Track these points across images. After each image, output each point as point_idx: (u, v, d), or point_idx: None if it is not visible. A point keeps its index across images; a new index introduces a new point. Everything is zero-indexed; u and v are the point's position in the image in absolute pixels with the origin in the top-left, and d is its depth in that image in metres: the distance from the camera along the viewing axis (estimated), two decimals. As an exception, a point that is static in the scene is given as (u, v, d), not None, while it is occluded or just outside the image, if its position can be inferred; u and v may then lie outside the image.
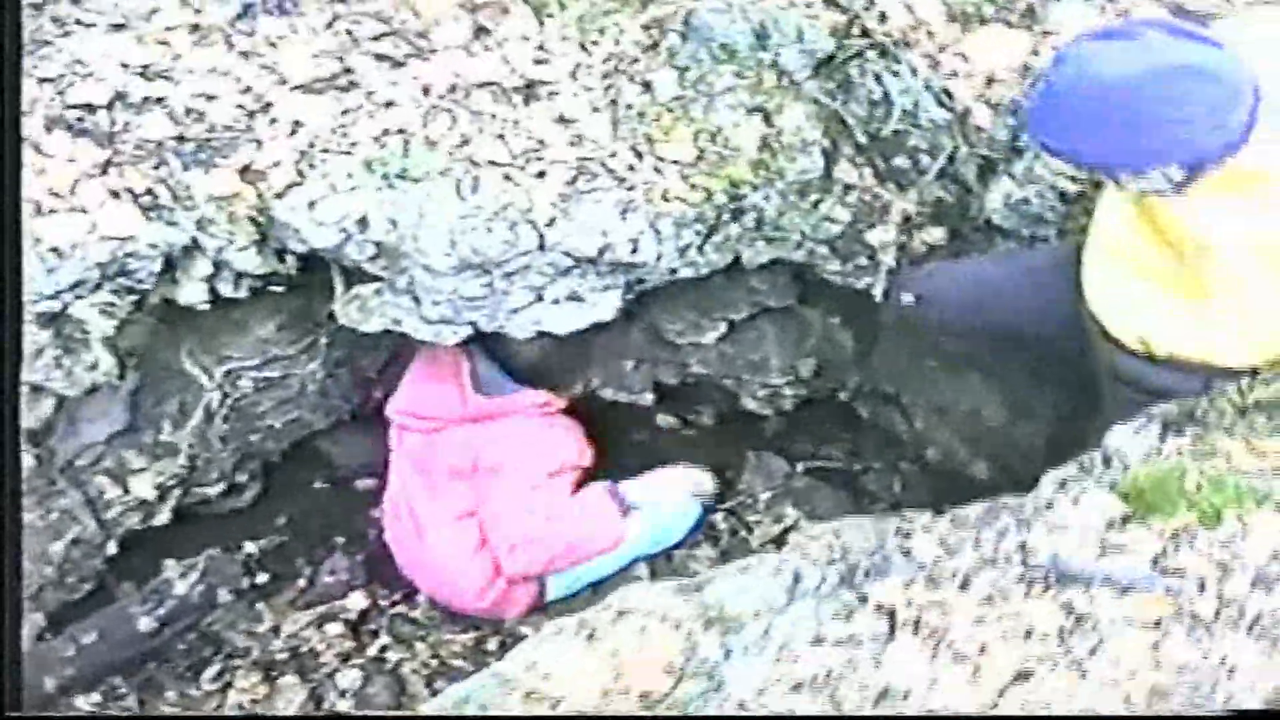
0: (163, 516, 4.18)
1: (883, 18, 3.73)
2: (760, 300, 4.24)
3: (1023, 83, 3.65)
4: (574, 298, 3.69)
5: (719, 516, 4.57)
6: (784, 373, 4.43)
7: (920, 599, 2.55)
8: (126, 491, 4.08)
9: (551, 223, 3.50)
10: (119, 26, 3.74)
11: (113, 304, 3.54)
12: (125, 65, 3.67)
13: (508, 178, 3.53)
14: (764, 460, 4.64)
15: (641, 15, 3.80)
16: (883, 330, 4.18)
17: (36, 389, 3.63)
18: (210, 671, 4.25)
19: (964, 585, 2.58)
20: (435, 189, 3.51)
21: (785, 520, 4.54)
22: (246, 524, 4.55)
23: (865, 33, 3.74)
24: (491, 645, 4.35)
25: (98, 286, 3.49)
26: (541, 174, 3.56)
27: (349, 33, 3.78)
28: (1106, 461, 2.92)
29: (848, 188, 3.80)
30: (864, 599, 2.58)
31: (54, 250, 3.40)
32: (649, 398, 4.54)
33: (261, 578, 4.50)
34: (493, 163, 3.55)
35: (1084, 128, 2.76)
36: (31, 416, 3.67)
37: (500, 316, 3.69)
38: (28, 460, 3.85)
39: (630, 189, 3.58)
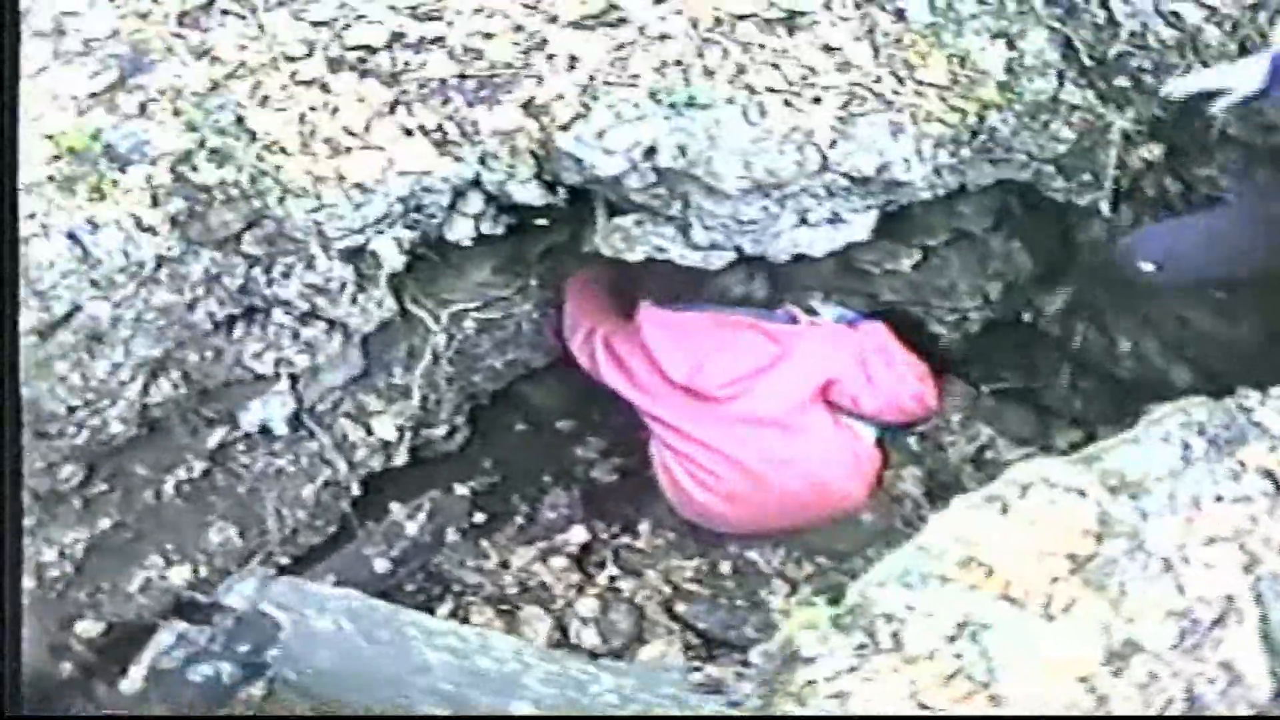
0: (400, 458, 4.30)
1: (1110, -56, 3.86)
2: (961, 225, 4.47)
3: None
4: (834, 219, 3.89)
5: (913, 440, 4.77)
6: (972, 296, 4.65)
7: (1290, 460, 2.70)
8: (370, 433, 4.20)
9: (833, 144, 3.68)
10: None
11: (404, 239, 3.68)
12: (394, 8, 3.79)
13: (787, 103, 3.70)
14: (951, 383, 4.80)
15: (885, -53, 3.91)
16: (1082, 247, 4.38)
17: (332, 324, 3.76)
18: (444, 608, 4.37)
19: (1324, 447, 2.72)
20: (723, 115, 3.66)
21: (979, 439, 4.74)
22: (457, 466, 4.67)
23: (1095, -41, 3.89)
24: (725, 568, 4.55)
25: (395, 222, 3.63)
26: (817, 99, 3.72)
27: (607, -27, 3.85)
28: None
29: (1073, 108, 4.00)
30: (1242, 464, 2.80)
31: (359, 186, 3.53)
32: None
33: (479, 517, 4.63)
34: (771, 90, 3.71)
35: None
36: (320, 354, 3.82)
37: (765, 240, 3.87)
38: (290, 404, 3.99)
39: (899, 111, 3.76)
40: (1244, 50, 3.84)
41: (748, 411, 4.29)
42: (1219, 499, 2.72)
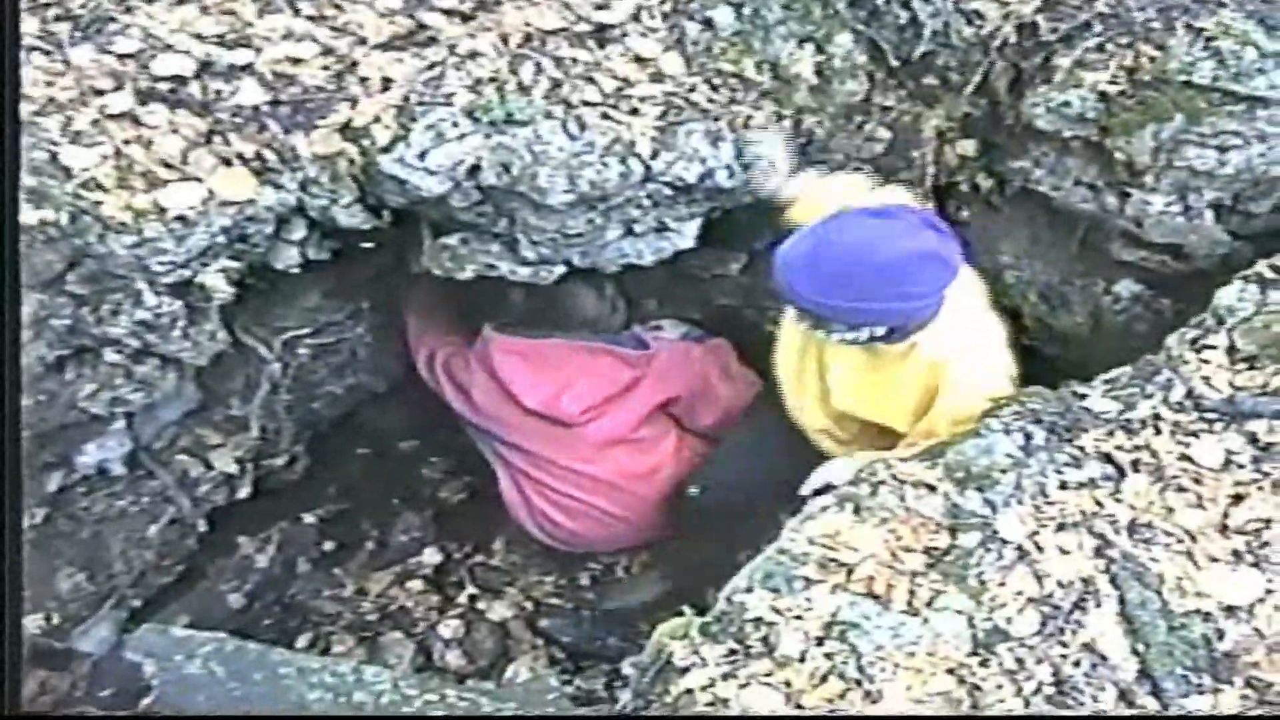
0: (244, 491, 3.94)
1: (908, -53, 3.67)
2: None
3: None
4: (660, 228, 3.64)
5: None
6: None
7: (1126, 444, 2.71)
8: (209, 468, 3.85)
9: (655, 155, 3.43)
10: (180, 1, 3.51)
11: (231, 269, 3.36)
12: (200, 36, 3.45)
13: (606, 116, 3.44)
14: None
15: (687, -43, 3.69)
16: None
17: (165, 360, 3.43)
18: (303, 640, 4.08)
19: (1156, 430, 2.74)
20: (543, 131, 3.39)
21: None
22: (303, 495, 4.33)
23: (894, -38, 3.68)
24: (584, 580, 4.31)
25: (220, 253, 3.30)
26: (635, 111, 3.48)
27: (410, -9, 3.57)
28: (1220, 320, 3.07)
29: (885, 109, 3.79)
30: (1082, 449, 2.72)
31: (180, 219, 3.19)
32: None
33: (330, 545, 4.31)
34: (587, 103, 3.45)
35: (832, 286, 2.96)
36: (156, 391, 3.47)
37: (594, 252, 3.60)
38: (126, 443, 3.64)
39: (716, 119, 3.53)
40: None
41: (602, 433, 4.02)
42: (1064, 485, 2.66)
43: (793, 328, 3.38)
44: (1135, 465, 2.69)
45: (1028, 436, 2.79)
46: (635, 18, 3.66)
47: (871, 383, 3.28)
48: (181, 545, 3.87)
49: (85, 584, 3.71)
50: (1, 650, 2.27)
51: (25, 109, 3.14)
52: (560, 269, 3.61)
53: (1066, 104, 3.57)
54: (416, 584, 4.25)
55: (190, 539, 3.88)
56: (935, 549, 2.57)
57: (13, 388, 2.45)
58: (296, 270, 3.53)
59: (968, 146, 3.84)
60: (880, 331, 3.04)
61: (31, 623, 3.59)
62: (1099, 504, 2.62)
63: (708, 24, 3.69)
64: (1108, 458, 2.71)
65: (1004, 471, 2.70)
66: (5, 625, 2.28)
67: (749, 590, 2.52)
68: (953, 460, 2.74)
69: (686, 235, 3.68)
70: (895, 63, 3.79)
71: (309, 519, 4.30)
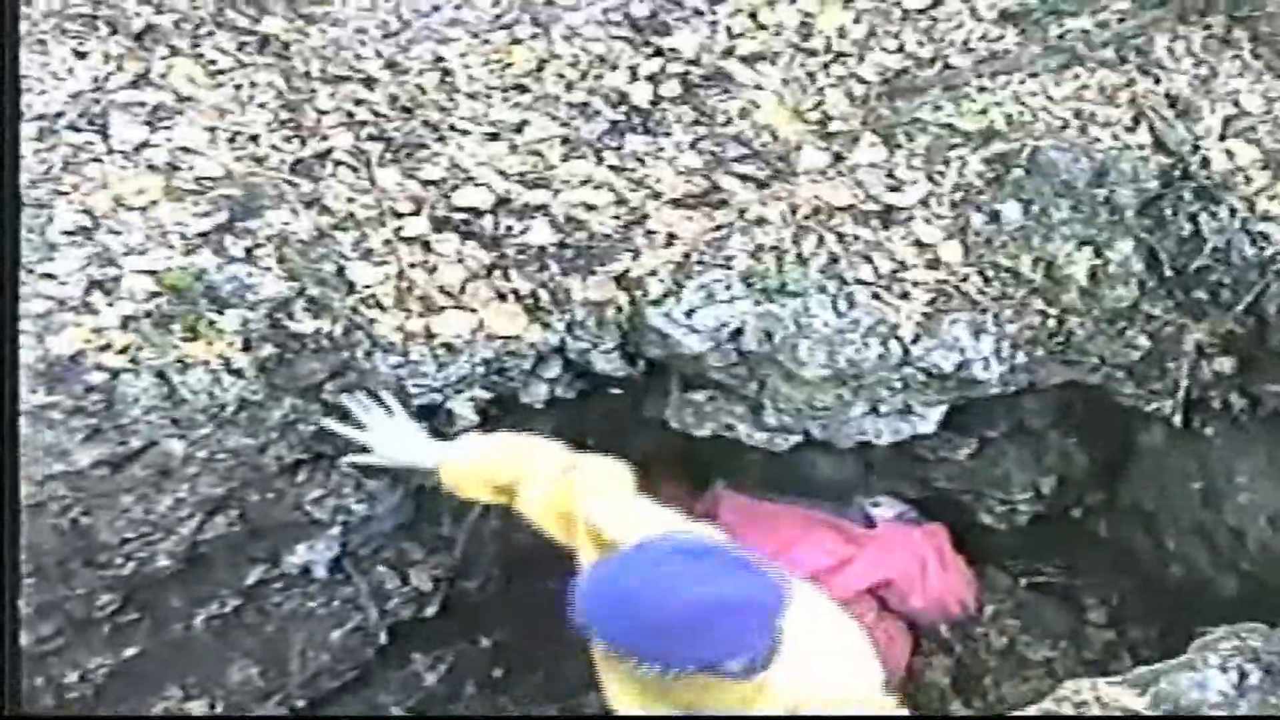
0: (432, 609, 4.12)
1: (1205, 163, 3.91)
2: (1022, 420, 4.37)
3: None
4: (905, 410, 3.81)
5: (944, 629, 4.62)
6: (1024, 489, 4.52)
7: (1344, 693, 2.69)
8: (405, 582, 4.04)
9: (916, 340, 3.64)
10: (493, 136, 3.83)
11: (480, 399, 3.58)
12: (504, 173, 3.74)
13: (876, 296, 3.65)
14: (988, 574, 4.63)
15: (984, 150, 3.96)
16: (1141, 451, 4.32)
17: (395, 477, 3.66)
18: (456, 762, 4.12)
19: (1375, 679, 2.72)
20: (812, 304, 3.62)
21: (1010, 632, 4.63)
22: (484, 618, 4.49)
23: (1188, 175, 3.90)
24: None
25: (476, 383, 3.54)
26: (905, 295, 3.67)
27: (713, 153, 3.91)
28: None
29: (1150, 317, 3.92)
30: None
31: (446, 346, 3.46)
32: (889, 511, 4.57)
33: (498, 671, 4.47)
34: (861, 281, 3.67)
35: (634, 630, 2.64)
36: (380, 505, 3.71)
37: (834, 426, 3.78)
38: (335, 549, 3.80)
39: (983, 312, 3.72)
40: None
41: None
42: (1276, 733, 2.63)
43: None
44: (1351, 719, 2.69)
45: (1242, 675, 2.83)
46: (924, 203, 3.86)
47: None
48: (359, 653, 4.03)
49: (257, 678, 3.88)
50: (1, 650, 2.40)
51: (323, 220, 3.45)
52: (797, 438, 3.79)
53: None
54: (586, 726, 4.27)
55: (369, 648, 4.04)
56: (1129, 783, 2.59)
57: (12, 387, 2.67)
58: (539, 406, 3.71)
59: (1226, 364, 3.95)
60: (692, 669, 2.69)
61: (195, 709, 3.80)
62: (1313, 756, 2.61)
63: (993, 217, 3.87)
64: (1323, 707, 2.72)
65: (1214, 709, 2.74)
66: (5, 625, 2.42)
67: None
68: (1163, 691, 2.79)
69: (929, 420, 3.84)
70: (1170, 273, 3.92)
71: (485, 642, 4.43)
